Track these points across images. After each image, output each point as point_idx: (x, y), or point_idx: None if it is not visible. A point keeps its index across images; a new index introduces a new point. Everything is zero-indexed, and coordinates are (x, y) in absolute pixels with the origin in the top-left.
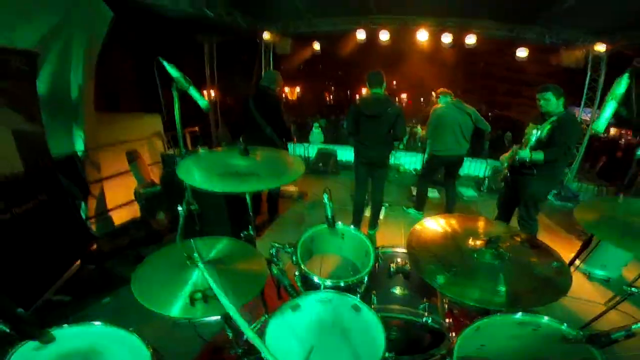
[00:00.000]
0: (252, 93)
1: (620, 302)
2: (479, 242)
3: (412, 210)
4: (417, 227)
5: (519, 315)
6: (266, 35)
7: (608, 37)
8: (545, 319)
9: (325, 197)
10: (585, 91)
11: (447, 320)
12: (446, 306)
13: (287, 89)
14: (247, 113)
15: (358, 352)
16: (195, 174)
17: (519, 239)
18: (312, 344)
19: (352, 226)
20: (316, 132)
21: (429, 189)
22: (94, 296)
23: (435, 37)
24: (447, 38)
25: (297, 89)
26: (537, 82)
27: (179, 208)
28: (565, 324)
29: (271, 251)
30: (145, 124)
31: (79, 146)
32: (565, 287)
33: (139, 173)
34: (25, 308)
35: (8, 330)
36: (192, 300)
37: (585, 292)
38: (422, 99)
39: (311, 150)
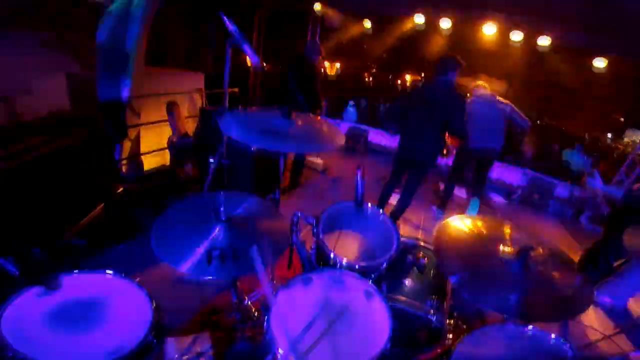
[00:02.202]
0: (293, 62)
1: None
2: (508, 249)
3: (435, 208)
4: (447, 222)
5: (529, 329)
6: (317, 6)
7: None
8: (552, 336)
9: (358, 174)
10: None
11: (449, 321)
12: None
13: (327, 64)
14: (284, 80)
15: (360, 337)
16: (235, 128)
17: (547, 252)
18: (317, 320)
19: (381, 210)
20: (350, 111)
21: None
22: (110, 242)
23: (503, 33)
24: (517, 36)
25: (337, 65)
26: (606, 97)
27: (211, 160)
28: (568, 343)
29: (293, 219)
30: (188, 79)
31: (125, 93)
32: (579, 309)
33: (175, 124)
34: (41, 247)
35: (17, 273)
36: (210, 258)
37: (585, 316)
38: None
39: (343, 127)
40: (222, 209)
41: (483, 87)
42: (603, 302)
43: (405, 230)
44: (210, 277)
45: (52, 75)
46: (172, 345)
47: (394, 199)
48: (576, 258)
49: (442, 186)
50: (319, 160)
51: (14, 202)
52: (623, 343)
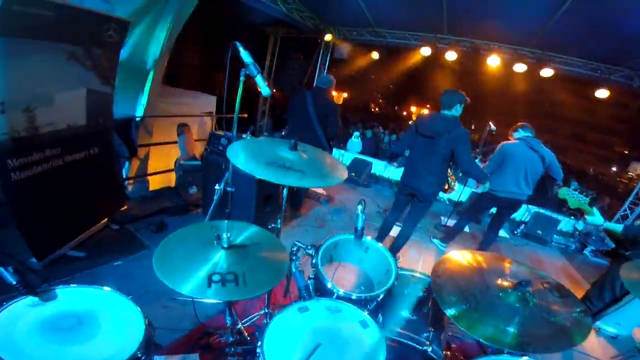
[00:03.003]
0: (309, 90)
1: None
2: (507, 283)
3: (436, 241)
4: (448, 256)
5: (525, 359)
6: (328, 37)
7: None
8: None
9: (360, 207)
10: None
11: (445, 352)
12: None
13: (334, 93)
14: (301, 109)
15: None
16: (242, 157)
17: (546, 286)
18: (311, 348)
19: (380, 244)
20: (355, 142)
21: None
22: (108, 257)
23: (506, 65)
24: (520, 67)
25: (344, 94)
26: (608, 127)
27: (217, 187)
28: None
29: (293, 248)
30: (201, 102)
31: (139, 112)
32: (578, 339)
33: (184, 146)
34: (41, 258)
35: (14, 283)
36: (210, 282)
37: (588, 345)
38: (472, 126)
39: (347, 157)
40: (224, 235)
41: (529, 127)
42: (607, 332)
43: (405, 262)
44: (209, 300)
45: (74, 89)
46: None
47: (395, 231)
48: (580, 291)
49: (445, 220)
50: (321, 190)
51: (22, 211)
52: None
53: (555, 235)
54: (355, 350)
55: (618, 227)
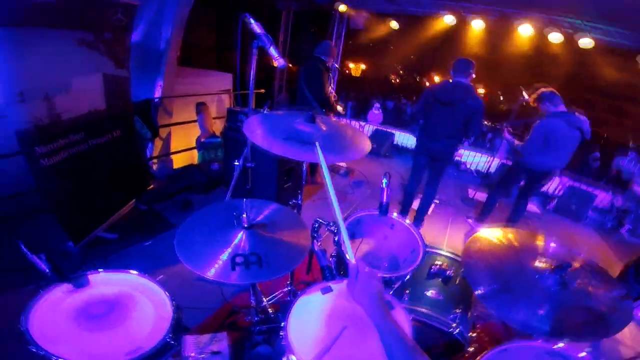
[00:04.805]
0: (306, 60)
1: None
2: (544, 264)
3: (471, 221)
4: (478, 235)
5: (558, 345)
6: (342, 7)
7: None
8: (583, 354)
9: (385, 181)
10: None
11: (471, 334)
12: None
13: (351, 65)
14: (298, 80)
15: (379, 348)
16: (259, 133)
17: (585, 267)
18: (334, 329)
19: (407, 219)
20: (376, 113)
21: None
22: (139, 237)
23: (540, 34)
24: (556, 37)
25: (363, 66)
26: None
27: (236, 162)
28: None
29: (314, 225)
30: (217, 81)
31: (157, 93)
32: (617, 327)
33: (204, 124)
34: (77, 241)
35: (47, 270)
36: (234, 264)
37: (622, 333)
38: (501, 97)
39: (367, 129)
40: (244, 215)
41: (554, 91)
42: (637, 318)
43: (431, 237)
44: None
45: (90, 75)
46: (190, 343)
47: (416, 204)
48: (615, 272)
49: (472, 193)
50: (342, 163)
51: (55, 196)
52: None
53: (590, 211)
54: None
55: None
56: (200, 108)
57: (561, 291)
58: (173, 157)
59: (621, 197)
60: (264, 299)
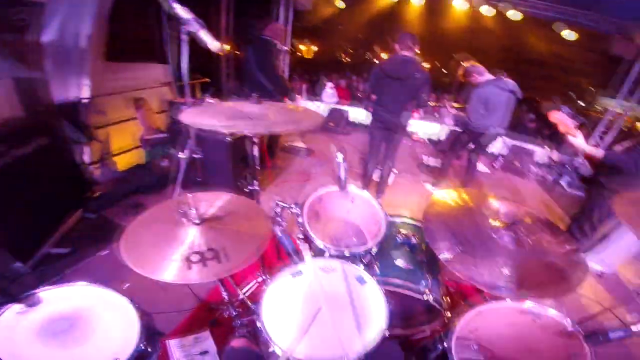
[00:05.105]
0: (253, 43)
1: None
2: (498, 223)
3: (429, 186)
4: (435, 198)
5: (526, 304)
6: None
7: None
8: (552, 311)
9: (340, 156)
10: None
11: (445, 297)
12: (445, 282)
13: (303, 47)
14: (246, 63)
15: (357, 324)
16: (202, 119)
17: (536, 223)
18: (311, 312)
19: (365, 191)
20: (330, 92)
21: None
22: (94, 247)
23: (474, 9)
24: (488, 11)
25: (314, 47)
26: (576, 69)
27: (180, 155)
28: (568, 319)
29: (275, 210)
30: (155, 73)
31: (85, 93)
32: (576, 282)
33: (145, 120)
34: (24, 260)
35: None
36: (189, 263)
37: (582, 288)
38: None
39: (322, 108)
40: (192, 211)
41: (475, 63)
42: (593, 269)
43: (393, 207)
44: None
45: None
46: (175, 347)
47: (377, 176)
48: (562, 225)
49: (427, 160)
50: (301, 144)
51: None
52: (619, 312)
53: (532, 166)
54: (357, 308)
55: (598, 153)
56: (139, 104)
57: (519, 248)
58: (116, 159)
59: (557, 152)
60: (239, 291)
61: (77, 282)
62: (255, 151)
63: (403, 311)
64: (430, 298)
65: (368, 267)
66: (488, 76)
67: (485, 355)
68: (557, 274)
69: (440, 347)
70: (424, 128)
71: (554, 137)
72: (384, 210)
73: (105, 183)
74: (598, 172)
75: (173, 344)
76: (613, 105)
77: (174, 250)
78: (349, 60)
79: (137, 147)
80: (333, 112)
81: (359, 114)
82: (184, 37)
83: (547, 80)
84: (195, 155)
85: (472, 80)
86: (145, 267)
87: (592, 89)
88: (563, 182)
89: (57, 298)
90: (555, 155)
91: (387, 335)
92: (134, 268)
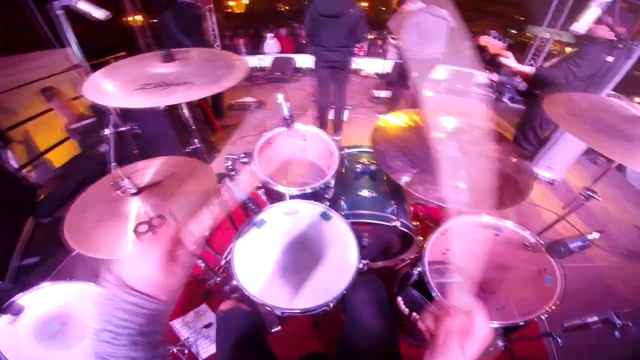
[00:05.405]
0: (172, 8)
1: (573, 209)
2: (442, 134)
3: (382, 117)
4: (381, 123)
5: (484, 217)
6: None
7: None
8: (509, 223)
9: (280, 97)
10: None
11: (414, 223)
12: (412, 208)
13: (232, 2)
14: (166, 30)
15: (332, 262)
16: (108, 92)
17: (479, 131)
18: (284, 258)
19: (312, 126)
20: (270, 43)
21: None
22: (60, 251)
23: None
24: None
25: (244, 1)
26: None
27: (105, 131)
28: (527, 231)
29: (227, 165)
30: (51, 59)
31: None
32: (527, 187)
33: (64, 109)
34: (1, 277)
35: None
36: (139, 235)
37: (534, 195)
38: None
39: (267, 60)
40: (125, 181)
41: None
42: (544, 178)
43: (353, 141)
44: None
45: None
46: (179, 326)
47: (332, 115)
48: (509, 136)
49: (377, 93)
50: (249, 98)
51: None
52: (573, 219)
53: (474, 87)
54: (327, 245)
55: (530, 70)
56: (49, 94)
57: (466, 157)
58: (49, 156)
59: (497, 74)
60: (221, 258)
61: (43, 283)
62: (186, 112)
63: (379, 243)
64: (398, 224)
65: (334, 202)
66: (420, 4)
67: (464, 276)
68: (509, 183)
69: (417, 273)
70: (371, 64)
71: (493, 62)
72: (335, 140)
73: (47, 184)
74: (533, 87)
75: (177, 324)
76: (540, 32)
77: (123, 226)
78: (287, 8)
79: (66, 139)
80: (278, 61)
81: (305, 60)
82: (60, 13)
83: (479, 11)
84: (123, 129)
85: (405, 8)
86: (99, 251)
87: (522, 19)
88: (505, 99)
89: (37, 302)
90: (496, 77)
91: (364, 268)
92: (87, 254)
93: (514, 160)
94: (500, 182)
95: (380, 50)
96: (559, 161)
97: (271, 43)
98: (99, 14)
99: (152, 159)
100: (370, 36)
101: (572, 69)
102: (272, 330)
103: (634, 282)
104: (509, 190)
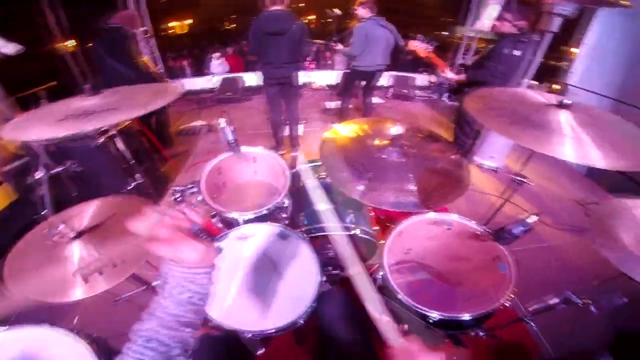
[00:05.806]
0: (99, 34)
1: (513, 194)
2: (384, 142)
3: (337, 125)
4: (327, 135)
5: (431, 214)
6: None
7: None
8: (454, 216)
9: (222, 121)
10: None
11: (375, 227)
12: (372, 213)
13: (174, 23)
14: (97, 55)
15: (295, 279)
16: (31, 129)
17: (421, 135)
18: (248, 283)
19: (260, 147)
20: (216, 63)
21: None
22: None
23: None
24: None
25: (188, 21)
26: (433, 5)
27: (36, 175)
28: (473, 221)
29: (175, 197)
30: None
31: None
32: (466, 179)
33: None
34: None
35: None
36: (86, 279)
37: (481, 184)
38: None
39: (214, 80)
40: (61, 227)
41: (370, 8)
42: (488, 167)
43: (312, 156)
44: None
45: None
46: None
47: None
48: (450, 130)
49: (329, 105)
50: (199, 122)
51: None
52: (519, 201)
53: (416, 91)
54: (288, 265)
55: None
56: None
57: (410, 162)
58: None
59: (434, 75)
60: None
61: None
62: (121, 145)
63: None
64: (358, 231)
65: (293, 221)
66: (371, 14)
67: (429, 272)
68: (450, 178)
69: (380, 277)
70: (321, 76)
71: (430, 65)
72: (284, 159)
73: None
74: (462, 85)
75: None
76: (465, 32)
77: (66, 269)
78: (235, 26)
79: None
80: (227, 81)
81: (256, 79)
82: None
83: (411, 16)
84: (58, 169)
85: (359, 14)
86: (48, 294)
87: (451, 20)
88: (444, 98)
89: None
90: (434, 78)
91: (323, 279)
92: (37, 298)
93: (450, 157)
94: (442, 178)
95: (330, 62)
96: (498, 149)
97: (217, 63)
98: (9, 49)
99: (90, 201)
100: (321, 45)
101: (491, 65)
102: (257, 354)
103: (590, 255)
104: (452, 185)
